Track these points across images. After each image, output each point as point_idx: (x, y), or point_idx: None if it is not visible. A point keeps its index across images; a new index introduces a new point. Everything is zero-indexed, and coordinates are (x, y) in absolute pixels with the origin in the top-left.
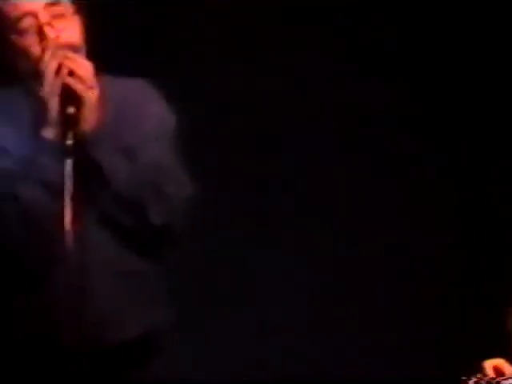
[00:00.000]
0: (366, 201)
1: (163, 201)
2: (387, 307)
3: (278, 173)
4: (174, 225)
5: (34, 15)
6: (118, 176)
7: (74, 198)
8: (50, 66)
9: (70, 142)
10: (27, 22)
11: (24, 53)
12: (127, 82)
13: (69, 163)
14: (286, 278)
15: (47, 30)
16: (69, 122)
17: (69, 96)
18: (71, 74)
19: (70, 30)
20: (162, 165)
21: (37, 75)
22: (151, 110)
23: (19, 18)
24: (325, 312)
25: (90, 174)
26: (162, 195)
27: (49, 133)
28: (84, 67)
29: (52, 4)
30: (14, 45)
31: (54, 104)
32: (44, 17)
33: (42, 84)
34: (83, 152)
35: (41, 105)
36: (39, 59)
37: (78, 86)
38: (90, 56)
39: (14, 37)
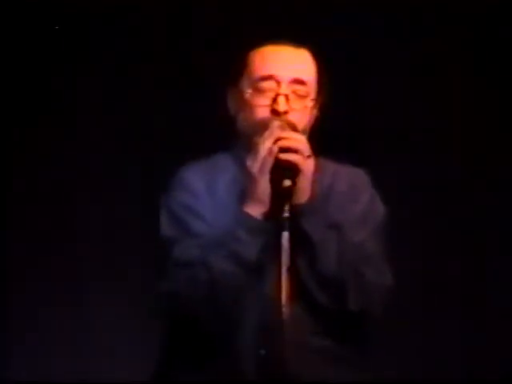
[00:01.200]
0: None
1: (363, 286)
2: None
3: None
4: (371, 312)
5: (278, 82)
6: (326, 252)
7: (289, 270)
8: (265, 144)
9: (286, 214)
10: (268, 85)
11: (250, 109)
12: (346, 168)
13: (285, 236)
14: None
15: (282, 101)
16: (285, 195)
17: (285, 169)
18: (285, 151)
19: (301, 112)
20: (367, 250)
21: (250, 140)
22: (363, 198)
23: (263, 78)
24: None
25: (300, 247)
26: (364, 280)
27: (252, 209)
28: (299, 141)
29: (298, 82)
30: (246, 100)
31: (263, 183)
32: (285, 88)
33: (253, 156)
34: (297, 224)
35: (248, 179)
36: (259, 123)
37: (294, 158)
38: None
39: (249, 91)
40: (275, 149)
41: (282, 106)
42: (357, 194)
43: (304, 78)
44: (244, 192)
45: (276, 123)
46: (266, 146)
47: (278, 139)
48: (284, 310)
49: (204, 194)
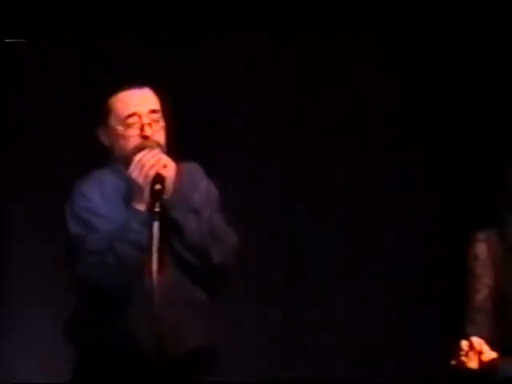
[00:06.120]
0: None
1: (221, 246)
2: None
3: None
4: (228, 264)
5: (139, 116)
6: (190, 229)
7: (159, 249)
8: (146, 161)
9: (157, 209)
10: (133, 120)
11: (125, 141)
12: (186, 164)
13: (156, 225)
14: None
15: (147, 129)
16: (156, 196)
17: (155, 178)
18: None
19: (160, 132)
20: (216, 221)
21: (128, 160)
22: (202, 184)
23: (128, 116)
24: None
25: (170, 229)
26: (220, 242)
27: (140, 206)
28: (166, 159)
29: (153, 111)
30: (119, 134)
31: (146, 188)
32: (147, 119)
33: (131, 168)
34: (166, 214)
35: (133, 186)
36: (134, 148)
37: (163, 171)
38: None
39: (120, 128)
40: (155, 166)
41: (148, 131)
42: (197, 183)
43: (156, 107)
44: (128, 195)
45: (147, 148)
46: (148, 163)
47: (155, 158)
48: (155, 277)
49: (98, 199)
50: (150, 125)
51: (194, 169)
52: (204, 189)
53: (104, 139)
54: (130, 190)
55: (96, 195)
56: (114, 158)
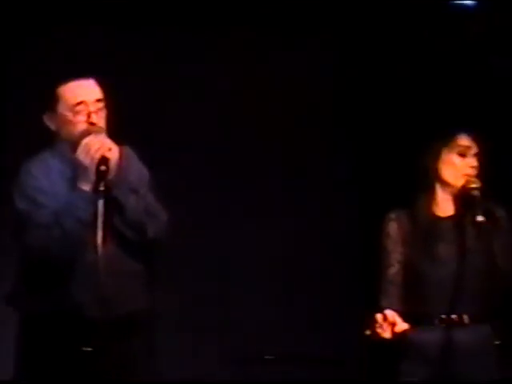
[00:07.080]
0: None
1: (155, 222)
2: None
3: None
4: (161, 238)
5: (86, 104)
6: (130, 206)
7: (103, 224)
8: (93, 145)
9: (102, 188)
10: (81, 107)
11: (72, 126)
12: (122, 148)
13: (101, 202)
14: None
15: (93, 116)
16: (101, 176)
17: (101, 160)
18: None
19: (103, 118)
20: (149, 199)
21: (75, 144)
22: (135, 166)
23: (76, 104)
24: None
25: (112, 206)
26: (154, 218)
27: (85, 185)
28: (110, 143)
29: (98, 100)
30: (67, 120)
31: (92, 169)
32: (93, 107)
33: (78, 151)
34: (109, 193)
35: (79, 168)
36: (82, 133)
37: (108, 154)
38: None
39: (68, 114)
40: (101, 149)
41: (94, 119)
42: (133, 164)
43: (100, 96)
44: (72, 176)
45: (93, 133)
46: (95, 147)
47: (100, 141)
48: (99, 249)
49: (43, 178)
50: (96, 112)
51: (128, 152)
52: (138, 170)
53: (51, 124)
54: (75, 172)
55: (41, 174)
56: (60, 142)
